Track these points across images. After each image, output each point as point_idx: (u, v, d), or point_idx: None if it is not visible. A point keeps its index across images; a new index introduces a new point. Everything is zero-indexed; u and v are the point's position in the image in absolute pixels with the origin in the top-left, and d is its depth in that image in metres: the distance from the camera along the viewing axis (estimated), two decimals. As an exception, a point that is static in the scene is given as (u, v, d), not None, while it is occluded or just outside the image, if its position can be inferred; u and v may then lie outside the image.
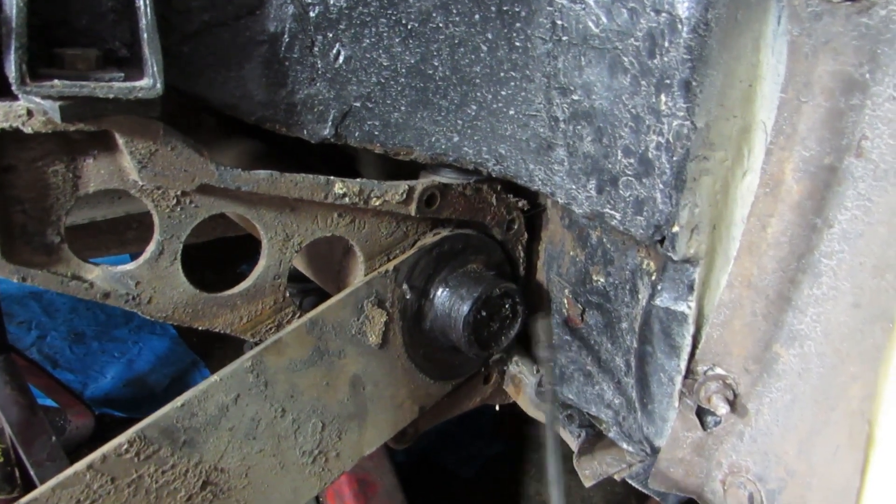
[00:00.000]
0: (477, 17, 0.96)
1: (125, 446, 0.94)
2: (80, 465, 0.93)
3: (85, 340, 3.52)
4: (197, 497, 1.02)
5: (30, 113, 0.81)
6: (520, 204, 1.29)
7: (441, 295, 1.21)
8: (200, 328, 1.06)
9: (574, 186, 1.00)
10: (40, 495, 0.91)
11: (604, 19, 0.87)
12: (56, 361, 3.39)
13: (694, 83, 0.82)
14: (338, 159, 1.65)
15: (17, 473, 2.08)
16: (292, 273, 1.13)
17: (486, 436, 3.27)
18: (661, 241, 0.92)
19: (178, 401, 0.99)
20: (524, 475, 3.20)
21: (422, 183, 1.14)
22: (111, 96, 0.79)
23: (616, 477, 1.26)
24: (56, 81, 0.77)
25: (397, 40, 0.99)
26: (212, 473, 1.03)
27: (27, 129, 0.82)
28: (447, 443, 3.16)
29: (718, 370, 0.97)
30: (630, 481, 1.20)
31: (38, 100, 0.78)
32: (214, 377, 1.01)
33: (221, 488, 1.04)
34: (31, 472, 2.03)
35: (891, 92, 0.77)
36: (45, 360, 3.35)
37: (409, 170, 1.22)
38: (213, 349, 3.50)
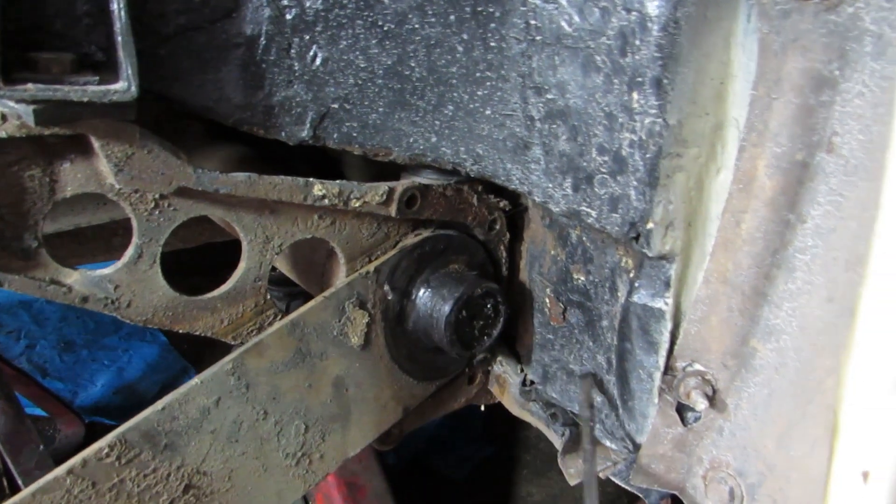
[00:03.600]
0: (452, 17, 0.97)
1: (106, 450, 0.94)
2: (60, 469, 0.92)
3: (75, 349, 3.50)
4: (179, 501, 1.01)
5: (4, 117, 0.81)
6: (501, 204, 1.29)
7: (423, 295, 1.21)
8: (182, 331, 1.06)
9: (550, 185, 1.01)
10: (21, 501, 0.90)
11: (576, 18, 0.88)
12: (46, 370, 3.37)
13: (665, 81, 0.83)
14: (324, 164, 1.65)
15: (5, 483, 2.07)
16: (279, 277, 1.13)
17: (477, 438, 3.27)
18: (637, 238, 0.93)
19: (159, 404, 0.98)
20: (516, 477, 3.20)
21: (402, 184, 1.15)
22: (86, 100, 0.79)
23: (601, 475, 1.26)
24: (30, 85, 0.76)
25: (374, 42, 0.99)
26: (194, 477, 1.02)
27: (1, 134, 0.81)
28: (439, 446, 3.16)
29: (697, 366, 0.98)
30: (614, 479, 1.21)
31: (11, 104, 0.78)
32: (195, 380, 1.01)
33: (204, 491, 1.04)
34: (19, 482, 2.02)
35: (859, 88, 0.78)
36: (35, 370, 3.33)
37: (394, 172, 1.23)
38: (204, 356, 3.49)
